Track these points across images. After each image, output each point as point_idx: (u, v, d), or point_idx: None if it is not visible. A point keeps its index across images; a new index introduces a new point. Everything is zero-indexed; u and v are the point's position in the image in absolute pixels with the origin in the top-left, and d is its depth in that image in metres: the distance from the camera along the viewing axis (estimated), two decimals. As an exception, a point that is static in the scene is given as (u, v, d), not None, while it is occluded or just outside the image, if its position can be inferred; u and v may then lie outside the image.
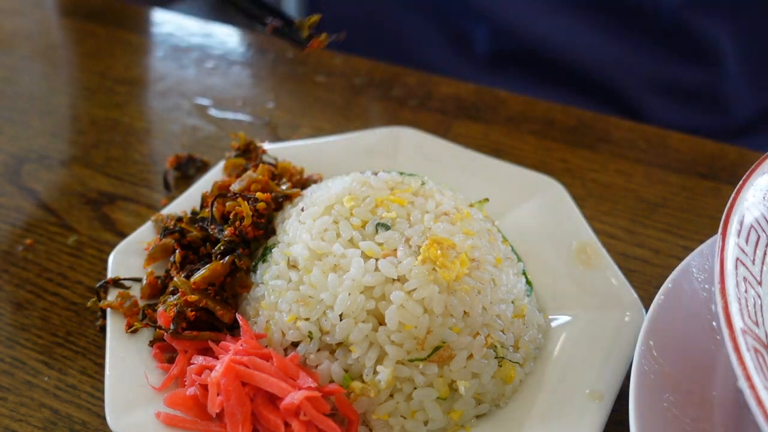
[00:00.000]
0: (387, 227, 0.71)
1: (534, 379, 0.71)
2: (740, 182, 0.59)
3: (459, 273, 0.67)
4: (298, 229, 0.73)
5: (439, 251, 0.67)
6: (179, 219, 0.81)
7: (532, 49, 1.26)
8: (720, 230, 0.55)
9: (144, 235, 0.81)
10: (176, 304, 0.71)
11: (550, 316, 0.77)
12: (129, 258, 0.79)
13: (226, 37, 1.27)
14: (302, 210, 0.75)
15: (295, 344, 0.70)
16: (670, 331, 0.64)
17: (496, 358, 0.68)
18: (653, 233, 0.91)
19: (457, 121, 1.09)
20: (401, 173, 0.79)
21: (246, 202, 0.76)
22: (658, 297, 0.66)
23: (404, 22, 1.36)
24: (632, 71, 1.26)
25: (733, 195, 0.58)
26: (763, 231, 0.58)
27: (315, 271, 0.69)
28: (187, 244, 0.78)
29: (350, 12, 1.38)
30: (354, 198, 0.73)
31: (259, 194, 0.77)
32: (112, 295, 0.75)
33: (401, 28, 1.37)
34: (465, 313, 0.67)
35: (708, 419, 0.61)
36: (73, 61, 1.23)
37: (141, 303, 0.75)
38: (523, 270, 0.77)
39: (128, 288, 0.76)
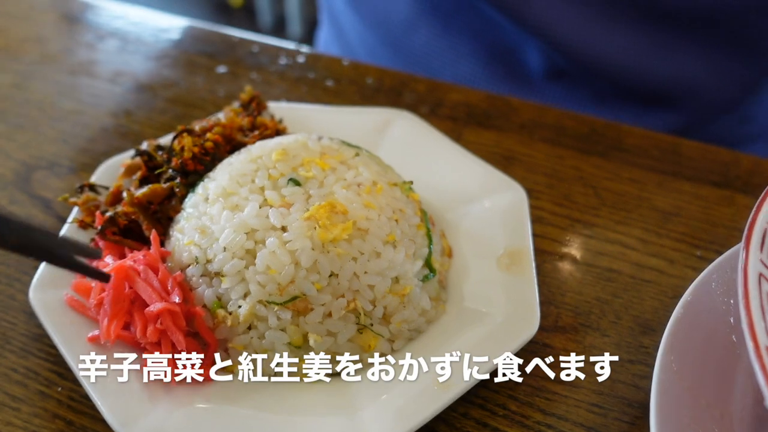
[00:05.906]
0: (298, 183, 0.75)
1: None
2: (762, 194, 0.59)
3: (337, 236, 0.70)
4: (225, 169, 0.79)
5: (327, 213, 0.71)
6: (158, 146, 0.89)
7: (589, 65, 1.21)
8: (743, 245, 0.55)
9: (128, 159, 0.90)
10: (114, 211, 0.81)
11: (449, 309, 0.78)
12: (113, 173, 0.89)
13: (236, 43, 1.27)
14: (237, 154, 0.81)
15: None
16: (690, 347, 0.64)
17: (356, 324, 0.71)
18: (667, 243, 0.91)
19: (467, 129, 1.09)
20: (344, 142, 0.82)
21: (191, 137, 0.84)
22: (677, 311, 0.65)
23: (444, 36, 1.30)
24: (692, 84, 1.21)
25: (754, 209, 0.58)
26: (785, 245, 0.57)
27: (217, 205, 0.75)
28: (153, 166, 0.86)
29: (387, 17, 1.33)
30: (283, 153, 0.78)
31: (209, 134, 0.85)
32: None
33: (441, 42, 1.31)
34: (333, 273, 0.70)
35: (728, 434, 0.61)
36: (83, 68, 1.22)
37: (103, 208, 0.84)
38: (427, 257, 0.78)
39: (100, 194, 0.87)
